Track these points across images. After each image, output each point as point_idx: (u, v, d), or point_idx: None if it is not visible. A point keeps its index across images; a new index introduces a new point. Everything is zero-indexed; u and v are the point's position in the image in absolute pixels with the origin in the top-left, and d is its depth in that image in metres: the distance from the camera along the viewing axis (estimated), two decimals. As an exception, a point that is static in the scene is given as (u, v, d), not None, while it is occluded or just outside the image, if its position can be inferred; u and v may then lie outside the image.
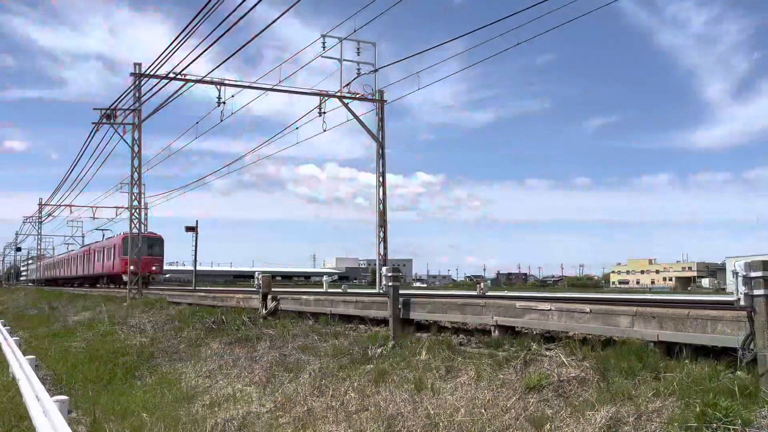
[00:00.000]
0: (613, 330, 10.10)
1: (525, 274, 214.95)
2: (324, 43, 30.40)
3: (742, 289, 7.84)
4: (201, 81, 31.49)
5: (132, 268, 37.05)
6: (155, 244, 55.95)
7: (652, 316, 9.45)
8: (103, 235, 79.82)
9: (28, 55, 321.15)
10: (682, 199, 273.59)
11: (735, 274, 7.92)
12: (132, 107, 35.45)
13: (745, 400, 7.21)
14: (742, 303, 7.89)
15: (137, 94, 34.69)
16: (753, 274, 7.80)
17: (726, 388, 7.48)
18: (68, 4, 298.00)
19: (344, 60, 31.73)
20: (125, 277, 42.51)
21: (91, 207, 73.81)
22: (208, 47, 23.65)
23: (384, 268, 14.34)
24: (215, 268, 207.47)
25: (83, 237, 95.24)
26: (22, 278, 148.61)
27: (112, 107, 36.25)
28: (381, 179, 35.71)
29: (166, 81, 31.49)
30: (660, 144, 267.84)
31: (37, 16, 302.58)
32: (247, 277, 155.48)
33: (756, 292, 7.73)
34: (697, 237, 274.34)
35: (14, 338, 21.15)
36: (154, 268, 54.10)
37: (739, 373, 7.93)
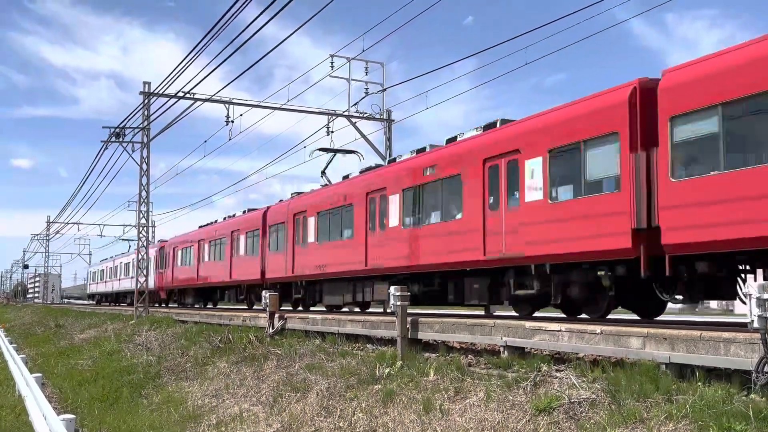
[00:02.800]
0: (624, 351, 10.00)
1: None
2: (332, 63, 30.55)
3: (755, 311, 7.76)
4: (209, 100, 31.64)
5: (140, 282, 36.88)
6: None
7: (664, 338, 9.36)
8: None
9: (41, 73, 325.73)
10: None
11: (748, 296, 7.84)
12: (141, 126, 35.62)
13: (760, 424, 7.11)
14: (755, 325, 7.80)
15: (146, 113, 34.88)
16: (767, 296, 7.73)
17: (740, 412, 7.38)
18: (81, 23, 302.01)
19: (352, 80, 31.86)
20: None
21: (99, 224, 74.09)
22: (218, 66, 23.78)
23: (392, 288, 14.28)
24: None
25: (90, 255, 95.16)
26: (27, 295, 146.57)
27: (121, 125, 36.44)
28: (388, 198, 35.57)
29: (176, 100, 31.66)
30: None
31: (51, 36, 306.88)
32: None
33: (770, 314, 7.60)
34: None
35: (21, 356, 21.11)
36: None
37: (753, 396, 7.83)
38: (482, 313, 20.29)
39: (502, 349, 12.23)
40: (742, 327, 9.03)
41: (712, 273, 11.07)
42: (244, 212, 32.40)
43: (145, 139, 35.94)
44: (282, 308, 21.70)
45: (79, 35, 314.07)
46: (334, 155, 27.99)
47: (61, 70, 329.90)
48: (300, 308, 25.30)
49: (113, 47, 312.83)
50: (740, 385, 8.13)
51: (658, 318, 13.76)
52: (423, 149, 18.70)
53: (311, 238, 23.42)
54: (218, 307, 36.59)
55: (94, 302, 70.23)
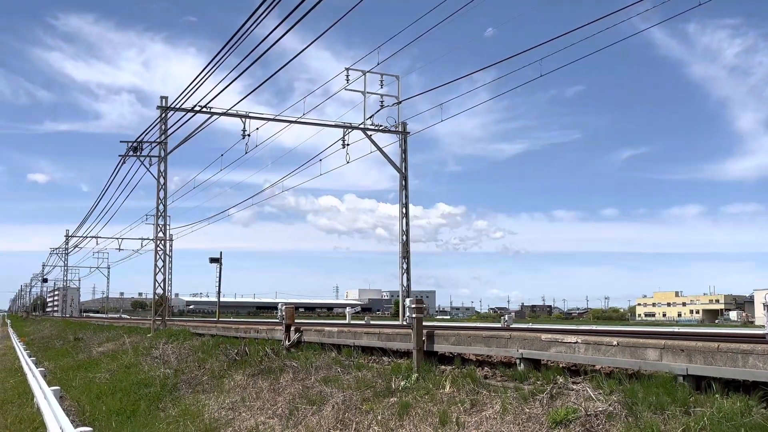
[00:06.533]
0: (641, 363, 9.93)
1: (549, 307, 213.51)
2: (348, 76, 30.71)
3: (773, 322, 7.69)
4: (226, 114, 31.86)
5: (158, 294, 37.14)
6: None
7: (681, 350, 9.29)
8: None
9: (64, 89, 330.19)
10: (711, 230, 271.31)
11: (767, 307, 7.78)
12: (158, 140, 35.94)
13: (779, 437, 7.03)
14: (773, 336, 7.73)
15: (163, 127, 35.19)
16: (784, 307, 7.66)
17: (758, 424, 7.30)
18: (104, 39, 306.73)
19: (368, 92, 32.00)
20: None
21: (117, 238, 74.68)
22: (235, 79, 23.89)
23: (408, 300, 14.27)
24: (238, 299, 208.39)
25: (108, 269, 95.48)
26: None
27: (138, 140, 36.78)
28: (404, 210, 35.74)
29: (192, 114, 31.90)
30: (690, 175, 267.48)
31: (74, 52, 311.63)
32: (270, 308, 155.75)
33: (788, 325, 7.53)
34: (725, 269, 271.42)
35: (39, 369, 21.27)
36: None
37: (772, 408, 7.75)
38: (498, 325, 20.30)
39: (518, 361, 12.17)
40: (760, 338, 8.95)
41: None
42: None
43: (163, 153, 36.25)
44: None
45: (102, 51, 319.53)
46: None
47: (83, 86, 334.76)
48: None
49: (135, 63, 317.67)
50: (759, 397, 8.05)
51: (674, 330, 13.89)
52: None
53: None
54: (233, 320, 36.69)
55: None
